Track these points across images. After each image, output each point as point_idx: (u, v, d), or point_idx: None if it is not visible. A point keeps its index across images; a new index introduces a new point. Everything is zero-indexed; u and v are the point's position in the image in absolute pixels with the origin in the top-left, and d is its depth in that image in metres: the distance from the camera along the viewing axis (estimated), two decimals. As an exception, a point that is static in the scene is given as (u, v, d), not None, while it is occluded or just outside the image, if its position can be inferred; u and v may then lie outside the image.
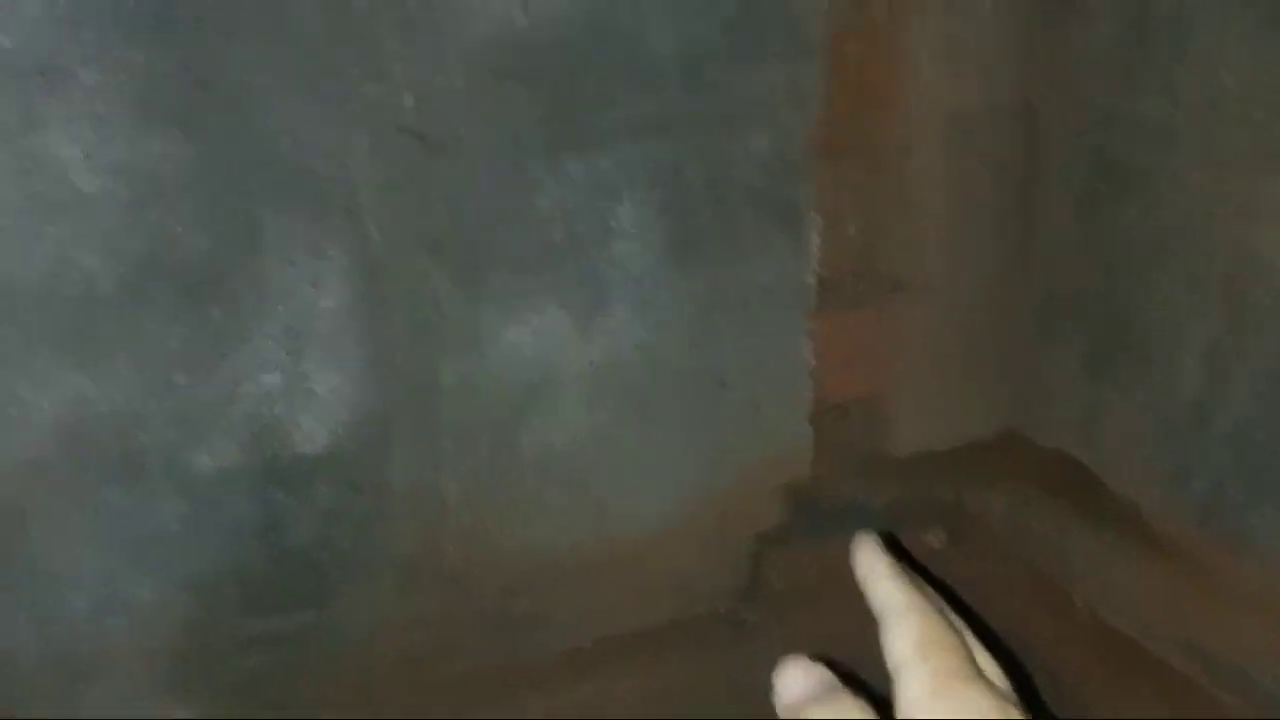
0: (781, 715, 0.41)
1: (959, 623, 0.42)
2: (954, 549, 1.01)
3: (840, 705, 0.40)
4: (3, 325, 0.68)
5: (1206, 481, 0.79)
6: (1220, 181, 0.73)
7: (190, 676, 0.81)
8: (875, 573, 0.43)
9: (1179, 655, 0.80)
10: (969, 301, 0.93)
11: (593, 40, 0.77)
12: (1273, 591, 0.75)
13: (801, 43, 0.82)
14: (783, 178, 0.85)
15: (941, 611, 0.41)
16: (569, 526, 0.88)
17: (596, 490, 0.88)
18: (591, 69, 0.77)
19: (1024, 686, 0.41)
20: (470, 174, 0.77)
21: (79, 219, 0.68)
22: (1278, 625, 0.74)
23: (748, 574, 0.98)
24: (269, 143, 0.71)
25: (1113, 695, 0.87)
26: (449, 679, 0.89)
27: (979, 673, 0.39)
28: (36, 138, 0.66)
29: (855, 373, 0.94)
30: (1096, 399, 0.86)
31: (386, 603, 0.85)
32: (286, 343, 0.75)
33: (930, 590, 0.43)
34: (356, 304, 0.76)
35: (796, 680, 0.41)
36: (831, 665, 0.43)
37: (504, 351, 0.82)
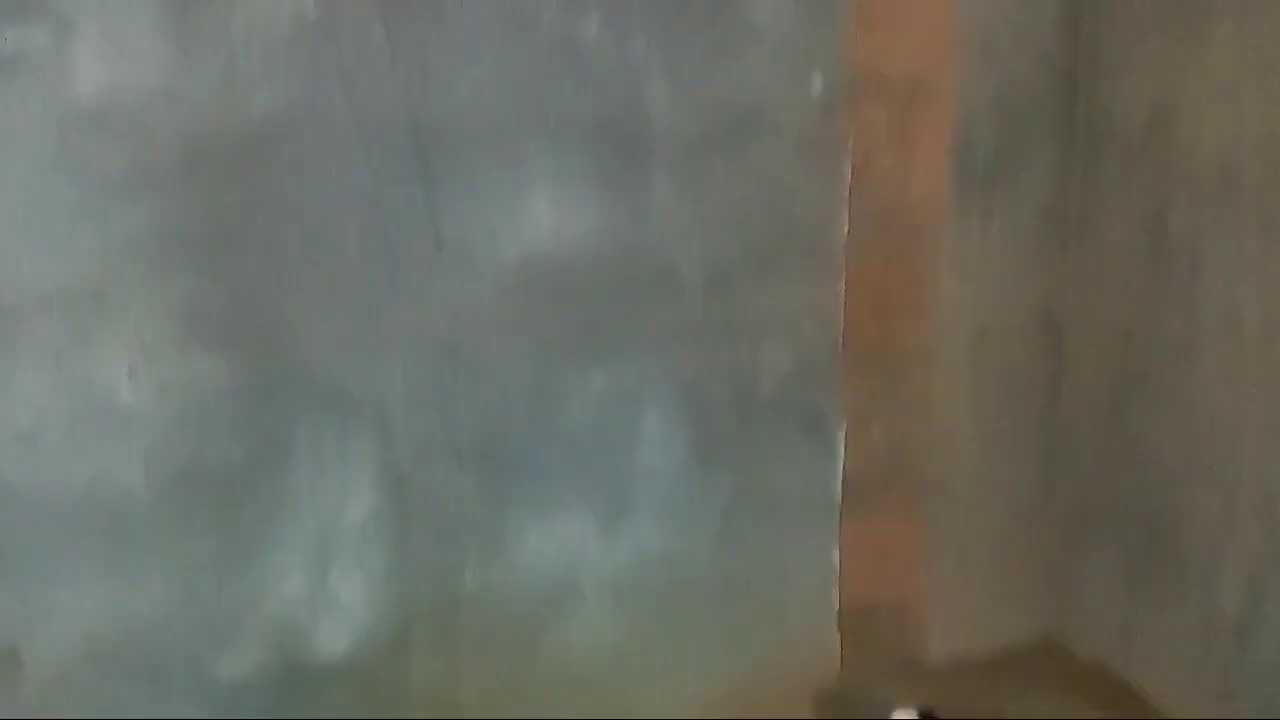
0: None
1: None
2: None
3: None
4: (41, 535, 0.70)
5: (1254, 708, 0.76)
6: (1245, 401, 0.73)
7: None
8: None
9: None
10: (998, 507, 0.93)
11: (620, 258, 0.80)
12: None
13: (823, 260, 0.85)
14: (807, 387, 0.86)
15: None
16: (591, 734, 0.87)
17: (618, 697, 0.87)
18: (618, 285, 0.81)
19: None
20: (498, 385, 0.79)
21: (120, 434, 0.71)
22: None
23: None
24: (305, 360, 0.74)
25: None
26: None
27: None
28: (84, 356, 0.70)
29: (884, 577, 0.93)
30: (1134, 612, 0.84)
31: (403, 812, 0.83)
32: (313, 551, 0.77)
33: None
34: (383, 513, 0.78)
35: None
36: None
37: (527, 557, 0.82)
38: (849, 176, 0.85)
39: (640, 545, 0.85)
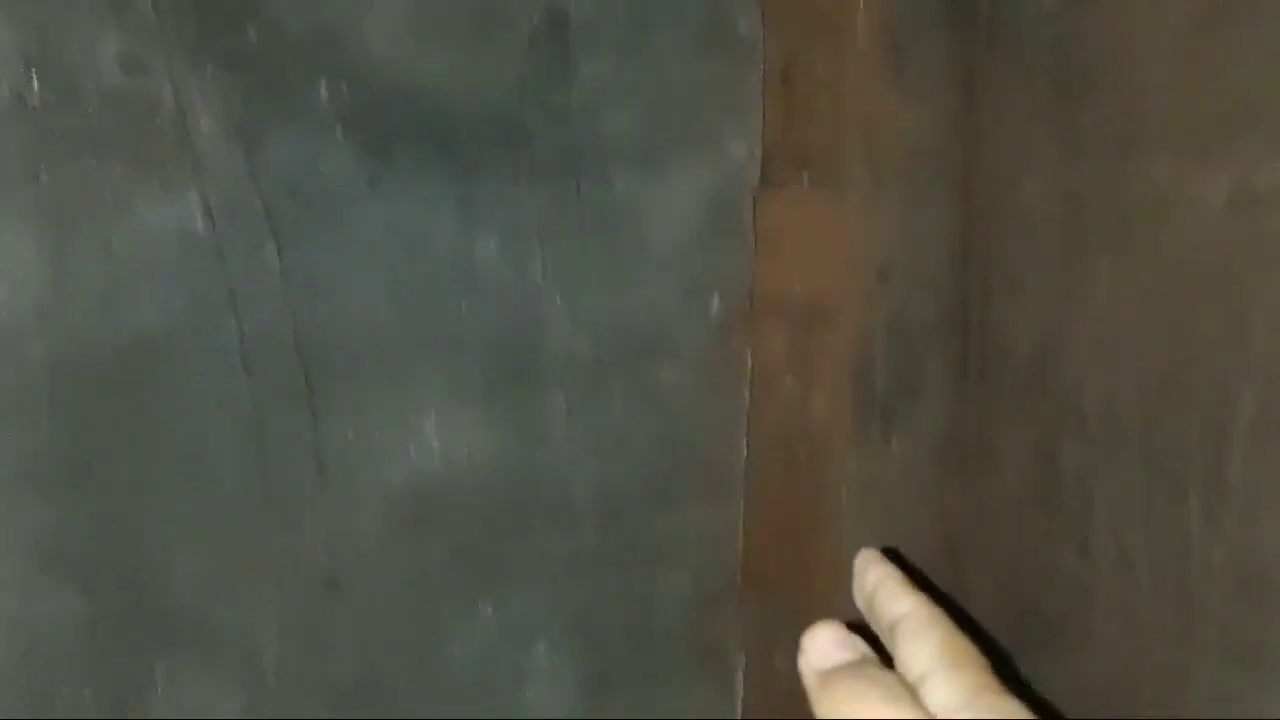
0: (807, 678, 0.42)
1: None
2: None
3: (874, 676, 0.39)
4: None
5: None
6: (1141, 649, 0.75)
7: None
8: (889, 586, 0.44)
9: None
10: None
11: (512, 484, 0.81)
12: None
13: (722, 486, 0.86)
14: (705, 616, 0.87)
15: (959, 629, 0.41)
16: None
17: None
18: (510, 512, 0.81)
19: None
20: (379, 620, 0.78)
21: (-44, 679, 0.68)
22: None
23: None
24: (170, 595, 0.73)
25: None
26: None
27: (1006, 689, 0.38)
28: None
29: (788, 819, 0.91)
30: None
31: None
32: (166, 802, 0.74)
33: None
34: (246, 762, 0.75)
35: (829, 646, 0.42)
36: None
37: (404, 805, 0.80)
38: (748, 400, 0.88)
39: (526, 788, 0.83)
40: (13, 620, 0.69)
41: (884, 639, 0.44)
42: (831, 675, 0.41)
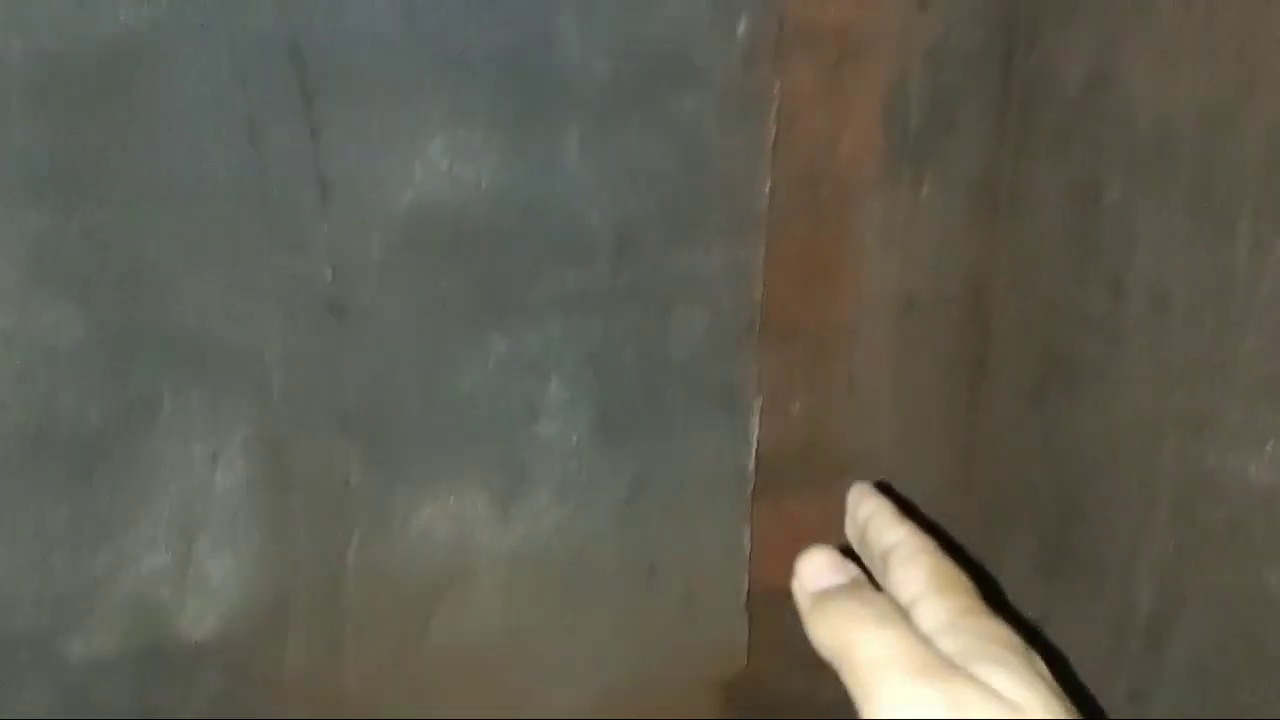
0: (801, 601, 0.43)
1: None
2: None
3: (867, 597, 0.41)
4: None
5: (1165, 709, 0.76)
6: (1167, 390, 0.73)
7: None
8: (881, 517, 0.45)
9: None
10: (917, 492, 0.92)
11: (523, 214, 0.77)
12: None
13: (743, 223, 0.83)
14: (721, 358, 0.85)
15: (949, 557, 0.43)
16: (481, 721, 0.85)
17: (513, 684, 0.86)
18: (520, 243, 0.78)
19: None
20: (387, 349, 0.76)
21: (-42, 389, 0.67)
22: None
23: (678, 773, 0.94)
24: (171, 314, 0.70)
25: None
26: None
27: (993, 611, 0.40)
28: (-81, 301, 0.65)
29: (794, 560, 0.92)
30: (1049, 606, 0.85)
31: (276, 803, 0.81)
32: (178, 522, 0.74)
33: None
34: (257, 482, 0.75)
35: (823, 569, 0.43)
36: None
37: (416, 534, 0.80)
38: (774, 134, 0.83)
39: (538, 524, 0.83)
40: (9, 335, 0.67)
41: (875, 570, 0.45)
42: (824, 596, 0.42)
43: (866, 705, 0.37)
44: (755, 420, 0.87)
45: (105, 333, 0.69)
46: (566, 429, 0.82)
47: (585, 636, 0.87)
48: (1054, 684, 0.38)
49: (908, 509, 0.46)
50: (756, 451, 0.88)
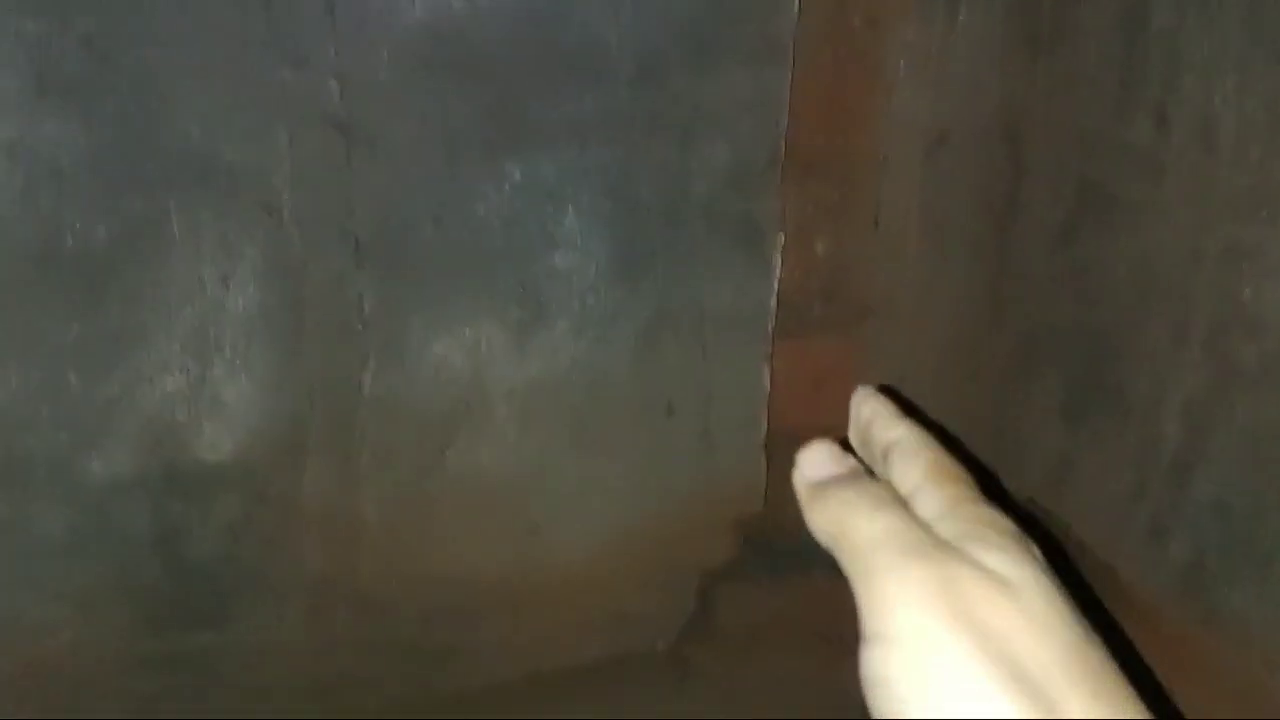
0: (801, 493, 0.43)
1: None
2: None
3: (865, 485, 0.42)
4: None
5: (1186, 548, 0.76)
6: (1208, 222, 0.70)
7: (81, 698, 0.79)
8: (883, 416, 0.46)
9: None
10: (943, 332, 0.91)
11: (539, 33, 0.74)
12: (1247, 673, 0.72)
13: (769, 48, 0.79)
14: (744, 192, 0.82)
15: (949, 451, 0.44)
16: (497, 554, 0.86)
17: (528, 517, 0.86)
18: (536, 65, 0.75)
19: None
20: (400, 173, 0.74)
21: (-37, 202, 0.66)
22: (1249, 711, 0.71)
23: (693, 612, 0.95)
24: (177, 128, 0.69)
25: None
26: (362, 710, 0.87)
27: (988, 500, 0.42)
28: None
29: (817, 401, 0.91)
30: (1071, 447, 0.83)
31: (295, 626, 0.83)
32: (192, 344, 0.73)
33: None
34: (271, 307, 0.74)
35: (823, 460, 0.44)
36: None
37: (431, 365, 0.79)
38: (802, -47, 0.79)
39: (555, 358, 0.82)
40: (11, 146, 0.66)
41: (876, 468, 0.46)
42: (823, 485, 0.42)
43: (862, 586, 0.38)
44: (777, 257, 0.85)
45: (109, 146, 0.68)
46: (584, 261, 0.80)
47: (601, 472, 0.87)
48: (1046, 565, 0.39)
49: (910, 410, 0.48)
50: (778, 289, 0.86)
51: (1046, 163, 0.83)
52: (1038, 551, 0.39)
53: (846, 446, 0.48)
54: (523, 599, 0.88)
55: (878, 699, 0.36)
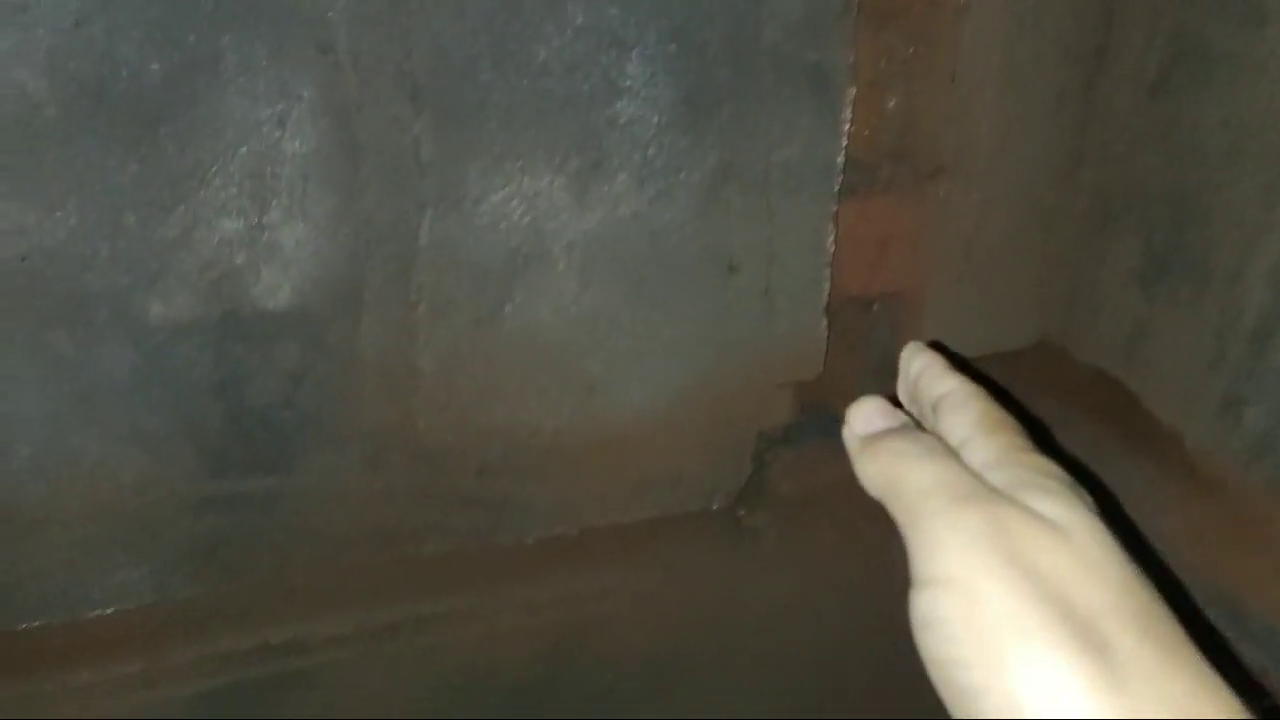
0: (853, 446, 0.45)
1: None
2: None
3: (914, 435, 0.44)
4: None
5: (1260, 417, 0.74)
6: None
7: (141, 536, 0.80)
8: (933, 370, 0.47)
9: (1208, 605, 0.76)
10: (1017, 193, 0.87)
11: None
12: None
13: (847, -119, 0.74)
14: (815, 40, 0.79)
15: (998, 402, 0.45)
16: (554, 408, 0.86)
17: (586, 372, 0.85)
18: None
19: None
20: (459, 12, 0.72)
21: (16, 31, 0.64)
22: (1314, 579, 0.70)
23: (749, 474, 0.95)
24: (230, -39, 0.66)
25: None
26: (420, 559, 0.89)
27: (1039, 448, 0.43)
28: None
29: (882, 265, 0.89)
30: (1147, 314, 0.81)
31: (353, 474, 0.84)
32: (248, 187, 0.72)
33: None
34: (327, 150, 0.73)
35: (873, 414, 0.46)
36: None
37: (490, 214, 0.78)
38: None
39: (615, 210, 0.80)
40: (65, -26, 0.64)
41: (926, 422, 0.46)
42: (873, 438, 0.43)
43: (913, 532, 0.39)
44: (847, 112, 0.82)
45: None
46: (647, 110, 0.78)
47: (659, 330, 0.85)
48: (1098, 510, 0.39)
49: (951, 360, 0.49)
50: (846, 146, 0.83)
51: (1140, 13, 0.78)
52: (1089, 498, 0.40)
53: (896, 404, 0.49)
54: (579, 456, 0.88)
55: (928, 641, 0.37)
